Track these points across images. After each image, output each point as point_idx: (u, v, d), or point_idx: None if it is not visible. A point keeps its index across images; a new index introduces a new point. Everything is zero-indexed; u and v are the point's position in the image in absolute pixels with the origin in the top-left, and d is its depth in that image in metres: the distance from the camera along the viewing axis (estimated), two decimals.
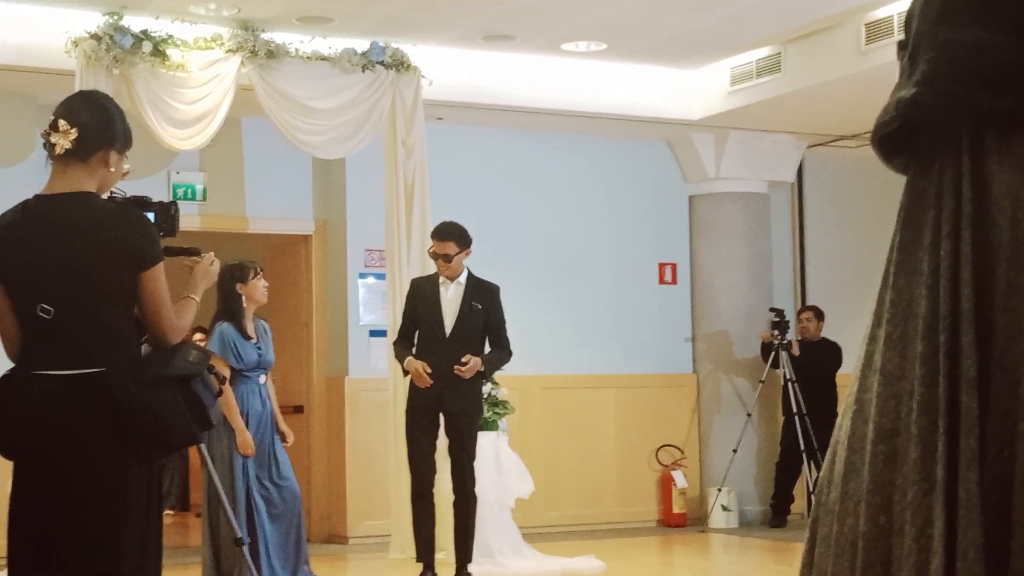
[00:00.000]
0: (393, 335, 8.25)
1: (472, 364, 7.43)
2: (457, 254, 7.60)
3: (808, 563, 1.74)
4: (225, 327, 6.95)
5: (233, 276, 6.97)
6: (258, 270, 7.10)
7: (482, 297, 7.65)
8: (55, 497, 3.64)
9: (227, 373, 6.75)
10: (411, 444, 7.56)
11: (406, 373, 7.58)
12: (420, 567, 7.60)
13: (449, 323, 7.56)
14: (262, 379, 7.03)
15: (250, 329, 7.00)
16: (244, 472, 6.87)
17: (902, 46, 1.69)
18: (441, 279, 7.65)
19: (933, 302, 1.60)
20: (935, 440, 1.56)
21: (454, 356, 7.46)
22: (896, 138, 1.65)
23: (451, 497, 7.68)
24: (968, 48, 1.59)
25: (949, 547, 1.53)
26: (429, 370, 7.39)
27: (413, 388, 7.55)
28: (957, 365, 1.57)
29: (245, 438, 6.83)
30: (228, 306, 6.99)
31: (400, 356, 7.61)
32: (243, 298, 6.99)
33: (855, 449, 1.66)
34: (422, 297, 7.62)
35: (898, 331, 1.64)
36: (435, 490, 7.67)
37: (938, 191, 1.64)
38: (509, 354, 7.70)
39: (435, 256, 7.65)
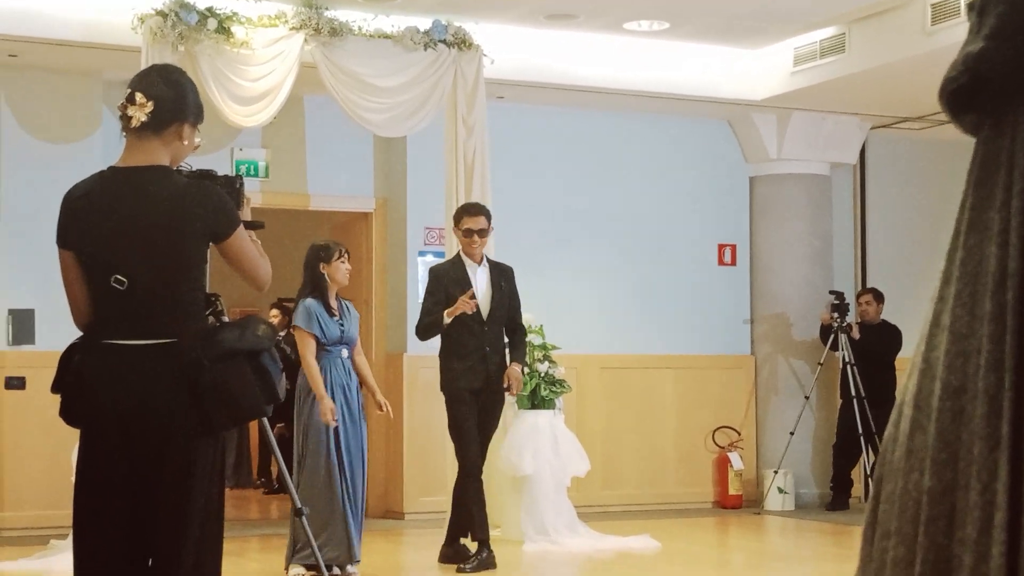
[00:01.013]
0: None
1: (516, 379, 7.64)
2: (489, 230, 7.74)
3: (872, 521, 1.75)
4: (310, 302, 7.18)
5: (319, 256, 7.24)
6: (343, 252, 7.29)
7: (505, 278, 7.82)
8: (123, 466, 3.69)
9: (312, 345, 7.03)
10: (461, 426, 7.61)
11: (448, 341, 7.60)
12: (475, 545, 7.64)
13: (485, 306, 7.66)
14: (344, 353, 7.17)
15: (334, 306, 7.17)
16: (329, 439, 7.01)
17: (970, 5, 1.69)
18: (468, 263, 7.73)
19: (1003, 260, 1.60)
20: (1001, 397, 1.56)
21: (494, 337, 7.63)
22: (965, 95, 1.64)
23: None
24: None
25: (1014, 502, 1.53)
26: (472, 296, 7.46)
27: (456, 369, 7.60)
28: None
29: (326, 405, 6.99)
30: (314, 283, 7.24)
31: (434, 319, 7.59)
32: (326, 276, 7.13)
33: (921, 407, 1.66)
34: (453, 281, 7.68)
35: (967, 289, 1.64)
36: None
37: (1010, 150, 1.63)
38: (525, 332, 7.94)
39: (469, 233, 7.70)
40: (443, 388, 7.72)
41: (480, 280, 7.74)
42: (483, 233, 7.72)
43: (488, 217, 7.82)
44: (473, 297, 7.51)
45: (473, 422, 7.60)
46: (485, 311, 7.66)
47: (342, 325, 7.20)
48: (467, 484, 7.62)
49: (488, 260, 7.87)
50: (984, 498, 1.55)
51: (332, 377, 7.13)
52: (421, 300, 7.90)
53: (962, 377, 1.61)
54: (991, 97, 1.63)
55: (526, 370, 8.92)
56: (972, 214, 1.67)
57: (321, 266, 7.22)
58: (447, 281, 7.70)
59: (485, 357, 7.56)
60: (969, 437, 1.59)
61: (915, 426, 1.66)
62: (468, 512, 7.62)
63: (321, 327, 7.12)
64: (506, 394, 7.69)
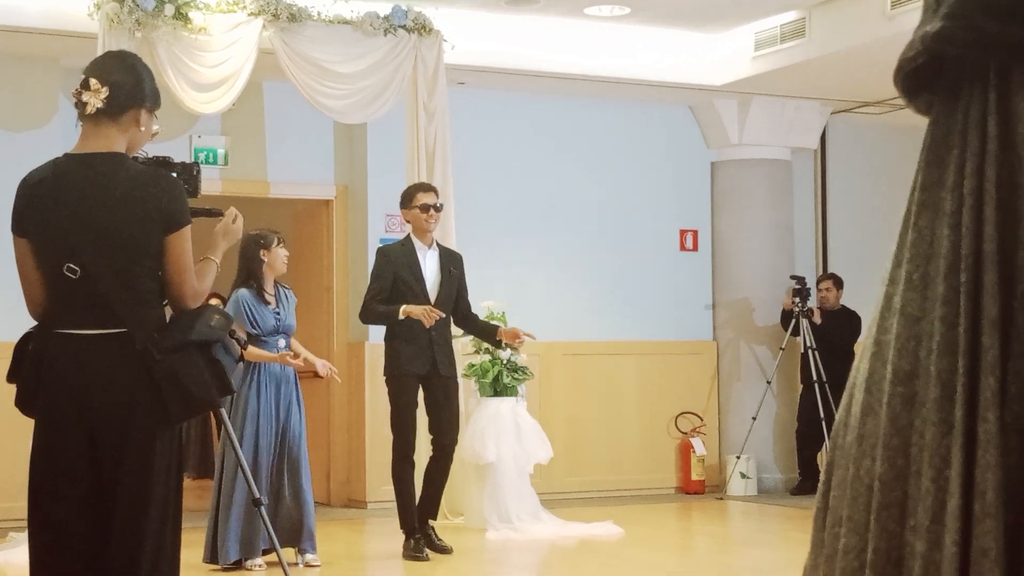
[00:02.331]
0: None
1: (512, 333, 7.76)
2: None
3: (823, 507, 1.73)
4: (242, 292, 7.12)
5: (258, 243, 7.15)
6: (280, 239, 7.20)
7: (455, 264, 7.81)
8: (80, 455, 3.66)
9: (243, 337, 6.90)
10: (401, 408, 7.60)
11: (394, 325, 7.56)
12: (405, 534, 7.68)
13: (433, 288, 7.64)
14: (281, 343, 7.11)
15: (270, 295, 7.10)
16: (257, 432, 6.98)
17: None
18: (418, 246, 7.70)
19: (955, 242, 1.59)
20: (954, 381, 1.55)
21: (440, 323, 7.55)
22: (920, 76, 1.63)
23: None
24: None
25: (967, 488, 1.52)
26: (438, 311, 7.43)
27: (403, 354, 7.55)
28: (978, 305, 1.55)
29: (281, 357, 7.01)
30: (249, 272, 7.16)
31: (387, 311, 7.55)
32: (263, 264, 7.07)
33: (872, 391, 1.65)
34: (403, 264, 7.66)
35: (919, 271, 1.62)
36: (451, 452, 7.78)
37: (963, 129, 1.62)
38: None
39: (426, 208, 7.69)
40: (386, 371, 7.68)
41: (430, 264, 7.71)
42: (438, 208, 7.73)
43: (438, 194, 7.82)
44: (438, 314, 7.45)
45: (413, 407, 7.60)
46: (433, 296, 7.64)
47: (278, 314, 7.12)
48: (403, 467, 7.60)
49: (438, 245, 7.84)
50: (937, 485, 1.54)
51: (266, 370, 7.06)
52: (369, 279, 7.82)
53: (914, 361, 1.60)
54: (946, 77, 1.62)
55: (487, 357, 8.93)
56: (923, 195, 1.66)
57: (262, 253, 7.13)
58: (396, 264, 7.67)
59: (431, 342, 7.53)
60: (921, 423, 1.58)
61: (866, 411, 1.65)
62: (410, 495, 7.62)
63: (253, 318, 7.04)
64: (520, 343, 7.76)
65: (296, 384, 7.21)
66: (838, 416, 1.75)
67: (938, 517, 1.52)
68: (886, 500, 1.60)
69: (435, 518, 7.80)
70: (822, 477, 1.77)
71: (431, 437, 7.73)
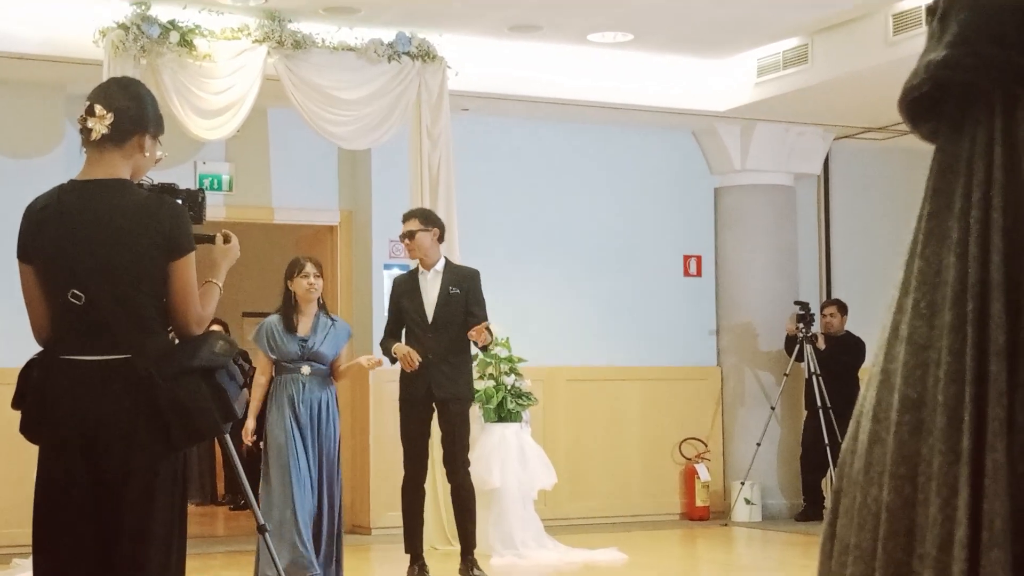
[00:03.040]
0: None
1: (480, 328, 7.40)
2: (420, 231, 7.60)
3: (830, 535, 1.73)
4: (269, 319, 7.20)
5: (286, 271, 7.28)
6: (303, 266, 7.20)
7: (460, 282, 7.66)
8: (84, 483, 3.65)
9: (259, 365, 7.08)
10: (404, 436, 7.58)
11: (393, 361, 7.58)
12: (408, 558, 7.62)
13: (430, 310, 7.60)
14: (305, 370, 7.06)
15: (302, 323, 7.10)
16: (288, 454, 7.00)
17: (931, 11, 1.68)
18: (420, 270, 7.69)
19: (962, 270, 1.59)
20: (962, 410, 1.54)
21: (439, 343, 7.50)
22: (924, 103, 1.63)
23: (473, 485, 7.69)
24: (1002, 7, 1.57)
25: (974, 517, 1.51)
26: (418, 356, 7.39)
27: (404, 379, 7.57)
28: (986, 334, 1.55)
29: (249, 426, 7.09)
30: (283, 299, 7.24)
31: (386, 346, 7.62)
32: (293, 294, 7.14)
33: (880, 419, 1.65)
34: (404, 291, 7.68)
35: (926, 300, 1.62)
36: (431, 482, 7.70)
37: (969, 157, 1.62)
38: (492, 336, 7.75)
39: (402, 237, 7.71)
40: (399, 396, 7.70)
41: (429, 287, 7.66)
42: (411, 236, 7.61)
43: (421, 218, 7.67)
44: (417, 362, 7.39)
45: (417, 435, 7.54)
46: (429, 317, 7.59)
47: (304, 342, 7.12)
48: (409, 494, 7.59)
49: (448, 265, 7.76)
50: (944, 513, 1.53)
51: (285, 391, 7.07)
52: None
53: (921, 389, 1.60)
54: (951, 105, 1.62)
55: (491, 383, 8.90)
56: (930, 223, 1.66)
57: (287, 282, 7.22)
58: (400, 291, 7.69)
59: (428, 365, 7.49)
60: (928, 451, 1.57)
61: (873, 439, 1.65)
62: (410, 523, 7.59)
63: (272, 344, 7.07)
64: (472, 337, 7.44)
65: (328, 406, 7.17)
66: (845, 444, 1.75)
67: (946, 546, 1.52)
68: (893, 528, 1.59)
69: (469, 549, 7.64)
70: (829, 505, 1.77)
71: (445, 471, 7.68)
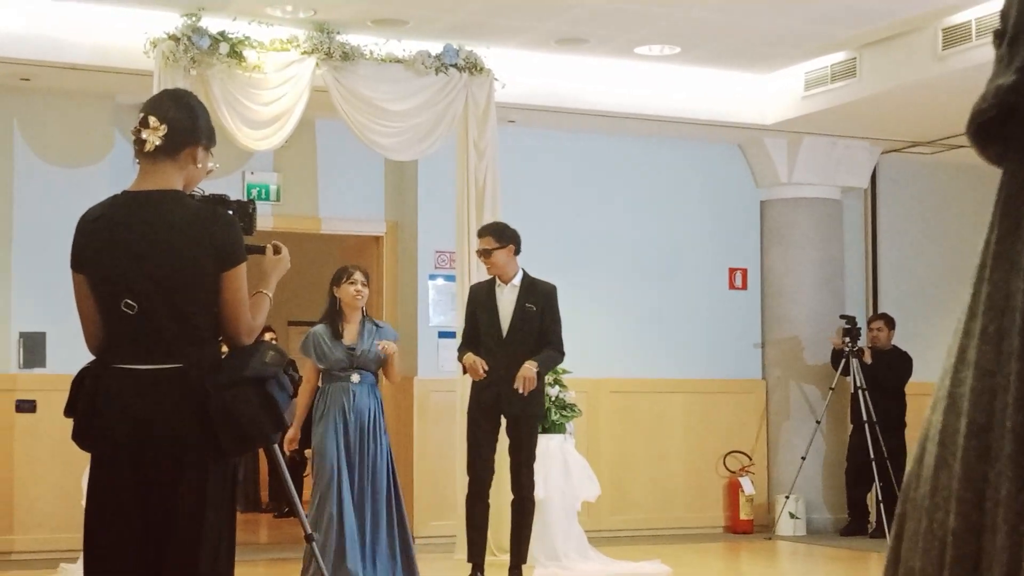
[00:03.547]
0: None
1: (526, 375, 7.36)
2: (496, 249, 7.57)
3: (894, 560, 1.72)
4: (317, 328, 7.24)
5: (332, 279, 7.31)
6: (351, 274, 7.23)
7: (536, 298, 7.61)
8: (134, 490, 3.68)
9: (305, 373, 7.07)
10: (470, 445, 7.59)
11: (465, 372, 7.62)
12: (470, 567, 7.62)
13: (505, 325, 7.58)
14: (355, 378, 7.10)
15: (348, 330, 7.13)
16: (335, 463, 7.02)
17: (998, 35, 1.67)
18: (497, 282, 7.66)
19: None
20: None
21: (512, 357, 7.47)
22: (994, 127, 1.63)
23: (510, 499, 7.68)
24: None
25: None
26: (485, 366, 7.41)
27: (475, 389, 7.59)
28: None
29: (292, 435, 7.16)
30: (327, 307, 7.28)
31: (460, 355, 7.68)
32: (338, 301, 7.16)
33: (946, 444, 1.64)
34: (480, 301, 7.67)
35: (994, 325, 1.62)
36: (493, 491, 7.65)
37: None
38: (561, 355, 7.65)
39: (478, 254, 7.74)
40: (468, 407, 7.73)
41: (505, 300, 7.64)
42: (487, 254, 7.61)
43: (496, 236, 7.62)
44: (485, 371, 7.42)
45: (483, 442, 7.53)
46: (504, 331, 7.58)
47: (352, 350, 7.14)
48: (468, 505, 7.59)
49: (525, 278, 7.68)
50: (1012, 540, 1.53)
51: (335, 401, 7.10)
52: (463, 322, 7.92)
53: (988, 414, 1.59)
54: (1020, 129, 1.62)
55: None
56: (998, 247, 1.65)
57: (334, 289, 7.25)
58: (477, 301, 7.71)
59: (500, 379, 7.50)
60: (996, 477, 1.57)
61: (940, 463, 1.64)
62: (473, 533, 7.58)
63: (320, 352, 7.10)
64: (517, 389, 7.37)
65: (378, 416, 7.20)
66: (909, 468, 1.74)
67: (1013, 573, 1.51)
68: (959, 554, 1.58)
69: (519, 564, 7.61)
70: (893, 530, 1.76)
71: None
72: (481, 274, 8.99)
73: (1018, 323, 1.58)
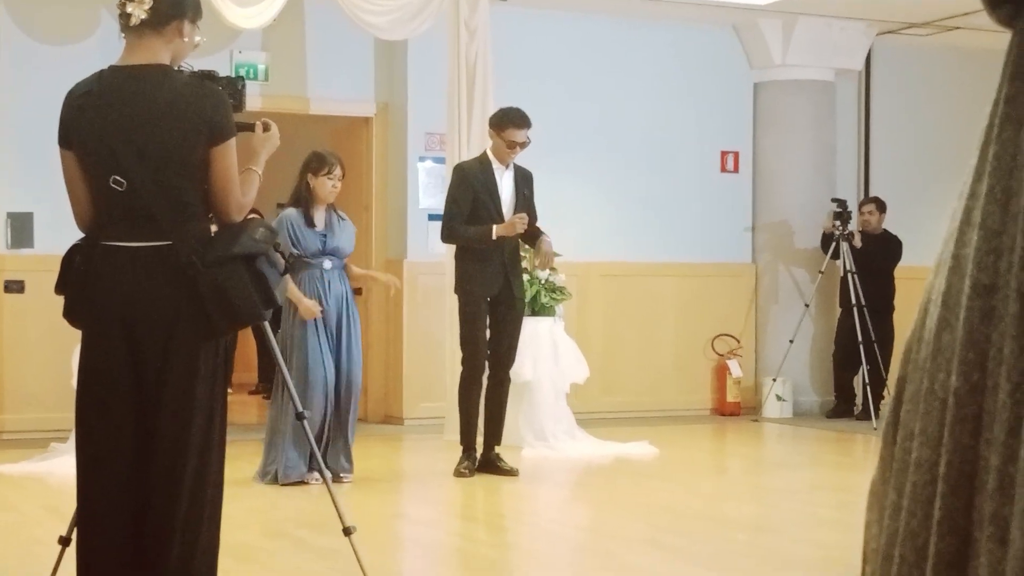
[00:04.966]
0: None
1: (551, 252, 7.46)
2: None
3: (893, 422, 1.72)
4: (288, 212, 7.19)
5: (309, 165, 7.21)
6: (332, 167, 7.14)
7: (527, 185, 7.66)
8: (126, 366, 3.69)
9: (290, 250, 6.94)
10: (474, 329, 7.55)
11: (477, 246, 7.45)
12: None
13: (507, 210, 7.54)
14: (327, 264, 7.12)
15: (317, 218, 7.10)
16: (306, 348, 7.03)
17: None
18: (495, 166, 7.59)
19: None
20: None
21: (510, 243, 7.49)
22: None
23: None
24: None
25: None
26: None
27: (479, 274, 7.48)
28: None
29: (305, 305, 7.05)
30: (297, 192, 7.22)
31: (477, 233, 7.41)
32: (312, 187, 7.08)
33: (949, 305, 1.63)
34: (480, 184, 7.55)
35: (1001, 184, 1.59)
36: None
37: None
38: None
39: (512, 145, 7.51)
40: (457, 290, 7.64)
41: (506, 185, 7.59)
42: (524, 146, 7.57)
43: (529, 128, 7.59)
44: (521, 219, 7.34)
45: (483, 326, 7.55)
46: (506, 216, 7.51)
47: (324, 237, 7.14)
48: (470, 388, 7.61)
49: (515, 165, 7.67)
50: (1014, 399, 1.52)
51: (306, 287, 7.12)
52: (446, 198, 7.63)
53: (993, 275, 1.58)
54: None
55: (526, 277, 8.90)
56: (1007, 107, 1.62)
57: (308, 176, 7.17)
58: (475, 183, 7.52)
59: (504, 264, 7.48)
60: (999, 337, 1.56)
61: (942, 325, 1.63)
62: (472, 417, 7.63)
63: (295, 238, 7.07)
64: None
65: (350, 300, 7.24)
66: (911, 331, 1.73)
67: (1014, 431, 1.51)
68: (961, 414, 1.58)
69: (499, 443, 7.71)
70: (892, 393, 1.76)
71: (488, 364, 7.67)
72: (472, 155, 8.92)
73: None
